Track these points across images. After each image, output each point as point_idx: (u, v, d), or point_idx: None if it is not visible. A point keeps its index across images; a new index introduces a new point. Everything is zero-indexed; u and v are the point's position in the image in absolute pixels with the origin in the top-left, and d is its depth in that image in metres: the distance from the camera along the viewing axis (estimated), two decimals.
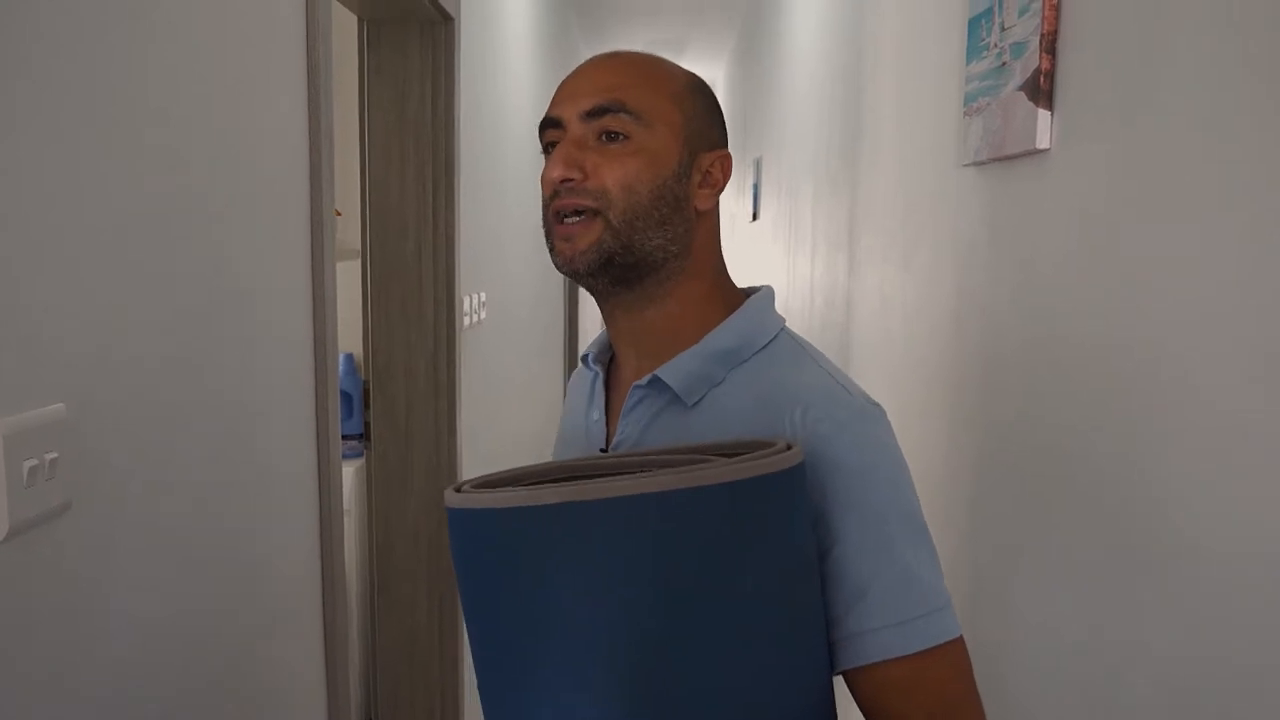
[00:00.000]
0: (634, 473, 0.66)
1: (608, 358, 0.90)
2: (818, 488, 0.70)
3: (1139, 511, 0.96)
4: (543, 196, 0.80)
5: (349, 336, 2.50)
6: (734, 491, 0.62)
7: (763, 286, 0.86)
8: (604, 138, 0.77)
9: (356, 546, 2.52)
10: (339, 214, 2.49)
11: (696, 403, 0.78)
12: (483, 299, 2.63)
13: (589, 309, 6.87)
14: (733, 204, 6.11)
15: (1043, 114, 1.16)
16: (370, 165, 2.17)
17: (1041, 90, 1.16)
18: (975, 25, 1.40)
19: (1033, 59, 1.18)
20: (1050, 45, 1.15)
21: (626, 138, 0.76)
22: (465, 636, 2.44)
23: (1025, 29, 1.21)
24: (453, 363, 2.25)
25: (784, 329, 0.83)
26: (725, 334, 0.80)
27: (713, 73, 7.16)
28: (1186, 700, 0.87)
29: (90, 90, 0.84)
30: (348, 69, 2.23)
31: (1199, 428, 0.86)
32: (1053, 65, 1.16)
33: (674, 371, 0.79)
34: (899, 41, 2.00)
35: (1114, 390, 1.01)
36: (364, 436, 2.30)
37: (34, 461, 0.75)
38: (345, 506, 2.40)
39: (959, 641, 0.71)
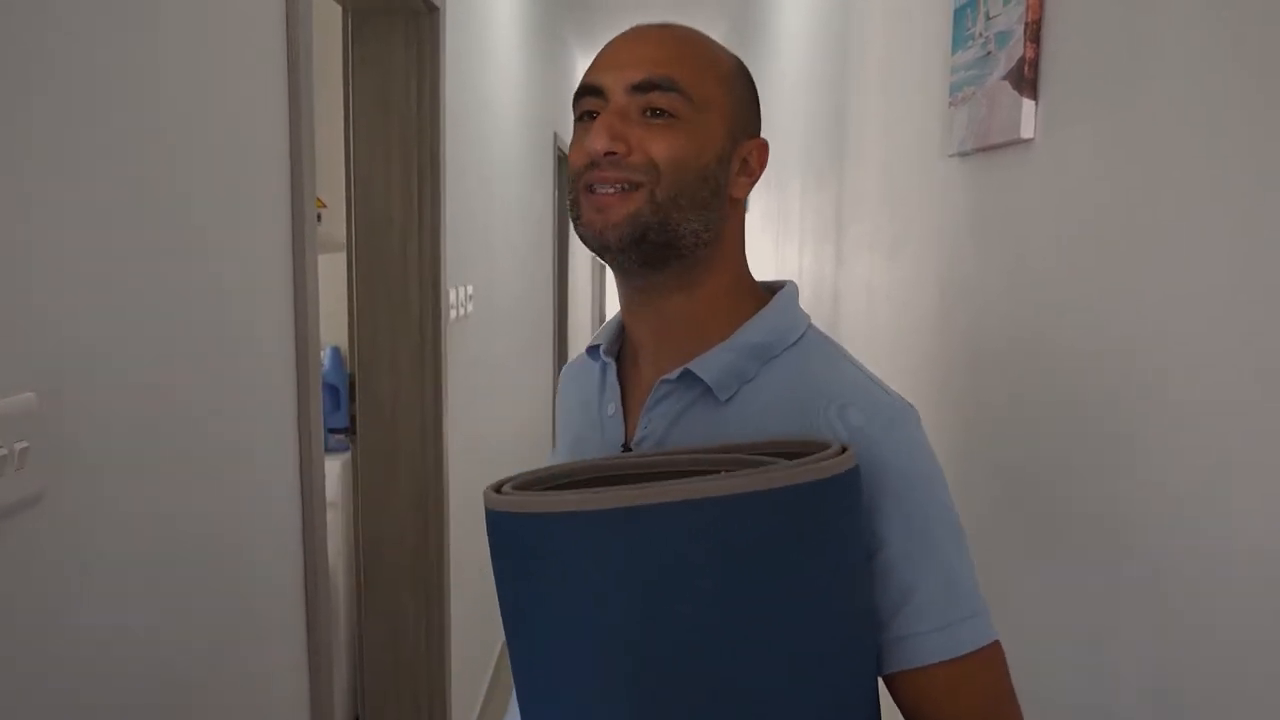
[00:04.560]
0: (666, 472, 0.64)
1: (617, 349, 0.86)
2: (865, 490, 0.68)
3: (1124, 505, 0.96)
4: (573, 167, 0.75)
5: (336, 329, 2.49)
6: (798, 495, 0.59)
7: (787, 282, 0.83)
8: (649, 114, 0.73)
9: (343, 542, 2.51)
10: (323, 206, 2.47)
11: (730, 398, 0.76)
12: (469, 292, 2.62)
13: (578, 307, 6.86)
14: None
15: (1027, 103, 1.16)
16: (355, 157, 2.15)
17: (1025, 79, 1.15)
18: (960, 15, 1.40)
19: (1017, 48, 1.17)
20: (1035, 34, 1.15)
21: (674, 116, 0.72)
22: (452, 635, 2.43)
23: (1010, 18, 1.20)
24: (439, 355, 2.24)
25: (810, 325, 0.81)
26: (758, 328, 0.77)
27: None
28: (1169, 696, 0.87)
29: (59, 81, 0.83)
30: (332, 60, 2.21)
31: (1185, 419, 0.86)
32: (1037, 54, 1.15)
33: (708, 365, 0.76)
34: (885, 32, 2.00)
35: (1099, 382, 1.01)
36: (350, 430, 2.29)
37: (3, 451, 0.74)
38: (332, 500, 2.39)
39: (998, 645, 0.71)
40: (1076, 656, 1.05)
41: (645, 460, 0.67)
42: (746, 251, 0.83)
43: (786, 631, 0.60)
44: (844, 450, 0.63)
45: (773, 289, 0.83)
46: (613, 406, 0.83)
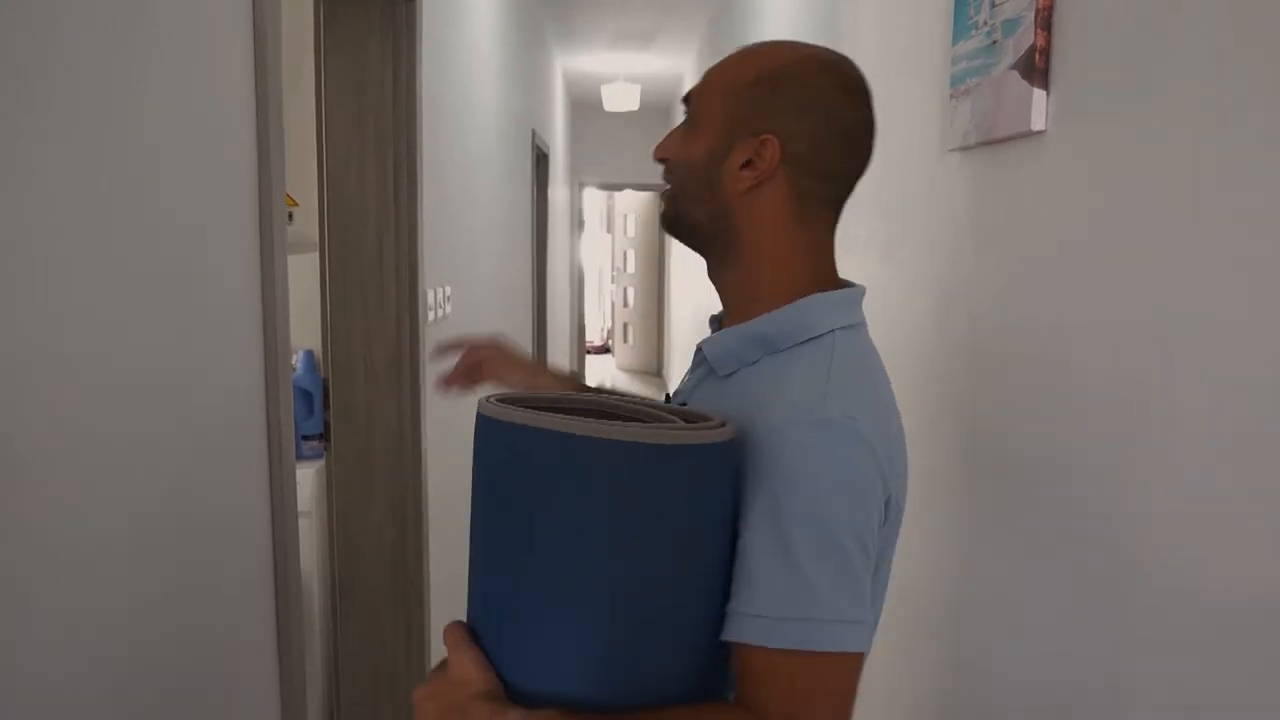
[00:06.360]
0: (606, 412, 0.78)
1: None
2: (751, 474, 0.75)
3: (1119, 511, 0.91)
4: None
5: (309, 332, 2.40)
6: (638, 452, 0.69)
7: (852, 288, 0.89)
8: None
9: (318, 552, 2.42)
10: (295, 204, 2.39)
11: (728, 375, 0.86)
12: (448, 293, 2.55)
13: (558, 311, 6.79)
14: None
15: (1038, 94, 1.10)
16: (328, 153, 2.07)
17: (1036, 68, 1.10)
18: (962, 2, 1.34)
19: (1027, 35, 1.12)
20: (1046, 20, 1.10)
21: (689, 124, 0.90)
22: (432, 646, 2.36)
23: (1018, 4, 1.15)
24: (416, 359, 2.16)
25: (837, 332, 0.83)
26: (768, 321, 0.85)
27: (682, 64, 7.09)
28: (1186, 709, 0.82)
29: (8, 72, 0.75)
30: (304, 49, 2.12)
31: (1193, 423, 0.81)
32: (1049, 42, 1.10)
33: (713, 345, 0.89)
34: (877, 24, 1.94)
35: (1101, 387, 0.96)
36: (324, 436, 2.21)
37: None
38: (305, 509, 2.31)
39: (841, 659, 0.73)
40: (1088, 665, 0.99)
41: (614, 403, 0.79)
42: (808, 249, 0.88)
43: (640, 570, 0.70)
44: (722, 426, 0.73)
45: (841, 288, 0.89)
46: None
